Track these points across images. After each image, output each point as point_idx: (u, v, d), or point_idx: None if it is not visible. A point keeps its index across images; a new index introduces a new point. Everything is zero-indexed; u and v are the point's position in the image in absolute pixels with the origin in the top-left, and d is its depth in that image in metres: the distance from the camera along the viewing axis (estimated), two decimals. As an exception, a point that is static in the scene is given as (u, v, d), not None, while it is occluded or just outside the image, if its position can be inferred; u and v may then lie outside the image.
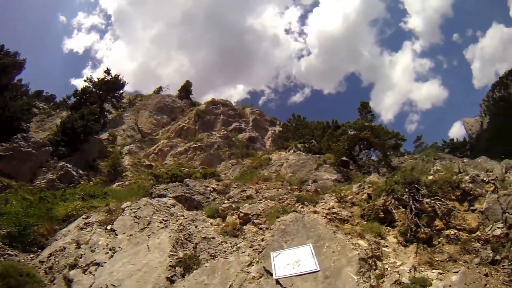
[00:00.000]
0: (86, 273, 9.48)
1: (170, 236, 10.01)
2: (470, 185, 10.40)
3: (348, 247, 8.51)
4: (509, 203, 9.19)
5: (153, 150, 29.94)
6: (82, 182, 20.48)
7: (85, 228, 11.55)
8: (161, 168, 25.31)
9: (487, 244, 8.71)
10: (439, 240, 9.44)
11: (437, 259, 8.69)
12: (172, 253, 9.34)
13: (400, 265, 8.40)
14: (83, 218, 12.12)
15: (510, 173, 12.47)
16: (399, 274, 7.92)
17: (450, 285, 6.93)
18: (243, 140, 32.82)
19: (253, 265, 8.68)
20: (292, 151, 24.33)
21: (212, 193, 13.88)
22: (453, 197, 10.28)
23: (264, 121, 38.59)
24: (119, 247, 10.12)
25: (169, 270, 8.84)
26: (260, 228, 10.61)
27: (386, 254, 8.99)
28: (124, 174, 24.54)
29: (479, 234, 9.09)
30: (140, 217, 11.25)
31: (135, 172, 24.93)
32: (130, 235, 10.51)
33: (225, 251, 9.50)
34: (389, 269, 8.28)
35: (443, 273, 7.82)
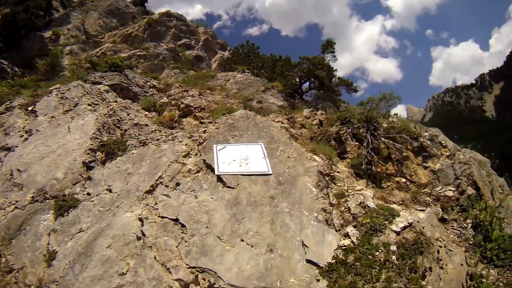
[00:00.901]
0: (-6, 160, 7.59)
1: (96, 119, 8.07)
2: (428, 142, 9.67)
3: (306, 156, 7.21)
4: (464, 171, 8.86)
5: (95, 53, 26.44)
6: (15, 79, 17.71)
7: (5, 113, 9.48)
8: (101, 70, 22.68)
9: (437, 201, 8.24)
10: (389, 184, 8.74)
11: (390, 199, 7.76)
12: (95, 136, 7.51)
13: (361, 190, 7.24)
14: (5, 104, 9.90)
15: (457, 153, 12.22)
16: (363, 197, 6.75)
17: (418, 221, 6.08)
18: (190, 57, 30.25)
19: (190, 157, 6.94)
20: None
21: (151, 89, 11.88)
22: (409, 147, 9.44)
23: (215, 43, 35.93)
24: (36, 130, 8.18)
25: (88, 154, 7.09)
26: (202, 122, 8.88)
27: (340, 179, 7.71)
28: (61, 74, 21.57)
29: (429, 191, 8.60)
30: (67, 98, 9.10)
31: (73, 73, 22.10)
32: (52, 117, 8.50)
33: (158, 139, 7.67)
34: (349, 191, 7.10)
35: (407, 209, 6.87)
